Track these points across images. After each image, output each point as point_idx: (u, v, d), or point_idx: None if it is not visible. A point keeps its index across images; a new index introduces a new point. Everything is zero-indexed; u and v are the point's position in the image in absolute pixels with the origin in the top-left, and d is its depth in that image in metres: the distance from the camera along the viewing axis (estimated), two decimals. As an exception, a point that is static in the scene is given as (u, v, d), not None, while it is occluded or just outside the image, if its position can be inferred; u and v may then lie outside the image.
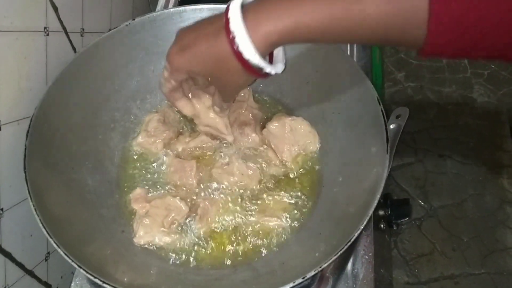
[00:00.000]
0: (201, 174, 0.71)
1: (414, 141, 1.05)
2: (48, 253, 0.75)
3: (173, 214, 0.65)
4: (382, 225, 0.80)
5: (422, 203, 0.95)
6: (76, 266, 0.52)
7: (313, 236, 0.64)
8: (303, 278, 0.50)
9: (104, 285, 0.51)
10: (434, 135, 1.06)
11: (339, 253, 0.52)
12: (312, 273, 0.51)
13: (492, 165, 1.02)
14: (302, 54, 0.74)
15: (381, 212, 0.80)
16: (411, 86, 1.16)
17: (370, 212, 0.54)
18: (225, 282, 0.59)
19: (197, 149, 0.74)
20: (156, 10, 0.95)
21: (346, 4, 0.43)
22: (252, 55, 0.47)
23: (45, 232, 0.53)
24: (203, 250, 0.64)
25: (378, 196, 0.56)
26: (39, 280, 0.74)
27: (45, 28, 0.72)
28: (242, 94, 0.77)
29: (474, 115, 1.10)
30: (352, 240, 0.52)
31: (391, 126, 0.85)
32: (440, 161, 1.02)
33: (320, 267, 0.51)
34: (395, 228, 0.80)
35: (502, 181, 1.00)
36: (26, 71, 0.68)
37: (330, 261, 0.51)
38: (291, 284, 0.50)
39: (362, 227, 0.53)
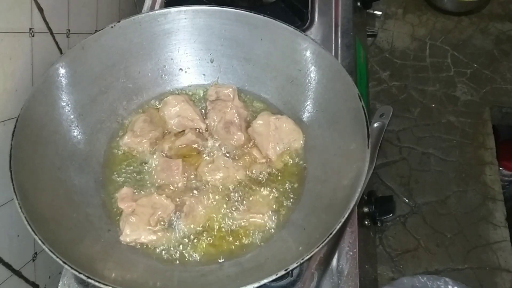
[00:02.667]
0: (187, 172, 0.71)
1: (398, 139, 1.07)
2: (36, 253, 0.75)
3: (159, 212, 0.66)
4: (366, 222, 0.81)
5: (407, 200, 0.96)
6: (61, 262, 0.53)
7: (297, 231, 0.65)
8: (285, 270, 0.51)
9: (90, 280, 0.52)
10: (418, 133, 1.08)
11: (321, 245, 0.53)
12: (295, 265, 0.52)
13: (475, 162, 1.04)
14: (286, 55, 0.76)
15: (365, 209, 0.81)
16: (395, 85, 1.17)
17: (352, 205, 0.56)
18: (211, 278, 0.60)
19: (184, 147, 0.75)
20: (142, 11, 0.96)
21: None
22: None
23: (30, 230, 0.54)
24: (189, 247, 0.65)
25: (359, 189, 0.57)
26: (26, 280, 0.74)
27: (30, 29, 0.72)
28: (227, 93, 0.78)
29: (457, 113, 1.12)
30: (334, 232, 0.54)
31: (375, 125, 0.86)
32: (424, 158, 1.04)
33: (302, 259, 0.52)
34: (379, 224, 0.82)
35: (484, 178, 1.02)
36: (12, 72, 0.68)
37: (312, 253, 0.52)
38: (274, 276, 0.51)
39: (343, 220, 0.54)
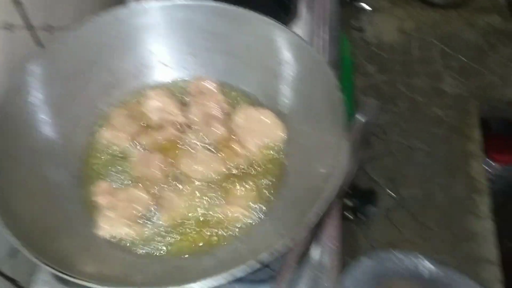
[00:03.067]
0: (166, 166, 0.71)
1: (385, 133, 1.06)
2: (16, 249, 0.75)
3: (136, 206, 0.66)
4: (349, 215, 0.81)
5: (392, 194, 0.96)
6: (34, 259, 0.52)
7: (275, 224, 0.64)
8: (257, 261, 0.51)
9: (64, 276, 0.52)
10: (405, 127, 1.08)
11: (295, 239, 0.52)
12: (267, 256, 0.51)
13: (461, 155, 1.04)
14: (266, 47, 0.75)
15: (348, 202, 0.81)
16: (382, 79, 1.17)
17: (328, 197, 0.55)
18: (186, 271, 0.60)
19: (163, 141, 0.74)
20: (126, 4, 0.95)
21: None
22: None
23: (2, 227, 0.53)
24: (167, 240, 0.64)
25: (336, 182, 0.57)
26: (5, 277, 0.73)
27: (8, 24, 0.71)
28: (208, 87, 0.78)
29: (444, 106, 1.12)
30: (310, 225, 0.53)
31: (360, 119, 0.86)
32: (410, 152, 1.04)
33: (277, 252, 0.52)
34: (362, 217, 0.82)
35: (470, 170, 1.01)
36: (-12, 67, 0.68)
37: (287, 246, 0.52)
38: (247, 269, 0.51)
39: (317, 211, 0.54)
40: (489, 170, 1.52)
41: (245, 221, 0.66)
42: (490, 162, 1.51)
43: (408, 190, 0.97)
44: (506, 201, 1.55)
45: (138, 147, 0.73)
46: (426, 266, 0.62)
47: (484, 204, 0.96)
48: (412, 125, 1.08)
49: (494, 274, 0.87)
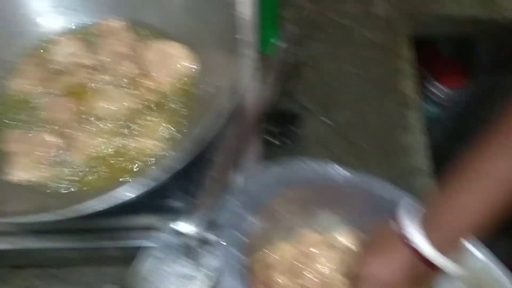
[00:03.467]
0: (77, 109, 0.70)
1: (317, 62, 1.06)
2: None
3: (47, 149, 0.66)
4: (273, 140, 0.82)
5: (325, 119, 0.97)
6: None
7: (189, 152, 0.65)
8: (150, 179, 0.52)
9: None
10: (337, 53, 1.08)
11: (187, 153, 0.53)
12: (166, 175, 0.52)
13: (392, 74, 1.04)
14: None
15: (272, 128, 0.82)
16: (313, 9, 1.16)
17: (224, 114, 0.56)
18: (98, 203, 0.60)
19: (74, 85, 0.73)
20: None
21: None
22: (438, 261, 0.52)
23: None
24: (80, 179, 0.65)
25: (231, 96, 0.57)
26: None
27: None
28: (117, 26, 0.77)
29: (376, 29, 1.12)
30: (199, 138, 0.54)
31: (280, 45, 0.86)
32: (342, 77, 1.04)
33: (167, 166, 0.53)
34: (287, 141, 0.83)
35: (401, 87, 1.03)
36: None
37: (175, 160, 0.53)
38: (145, 185, 0.51)
39: (213, 127, 0.55)
40: (439, 94, 1.54)
41: (159, 151, 0.67)
42: (440, 86, 1.53)
43: (340, 114, 0.98)
44: (457, 125, 1.58)
45: (47, 93, 0.72)
46: (340, 172, 0.63)
47: (415, 119, 0.98)
48: (344, 51, 1.08)
49: (426, 184, 0.90)
